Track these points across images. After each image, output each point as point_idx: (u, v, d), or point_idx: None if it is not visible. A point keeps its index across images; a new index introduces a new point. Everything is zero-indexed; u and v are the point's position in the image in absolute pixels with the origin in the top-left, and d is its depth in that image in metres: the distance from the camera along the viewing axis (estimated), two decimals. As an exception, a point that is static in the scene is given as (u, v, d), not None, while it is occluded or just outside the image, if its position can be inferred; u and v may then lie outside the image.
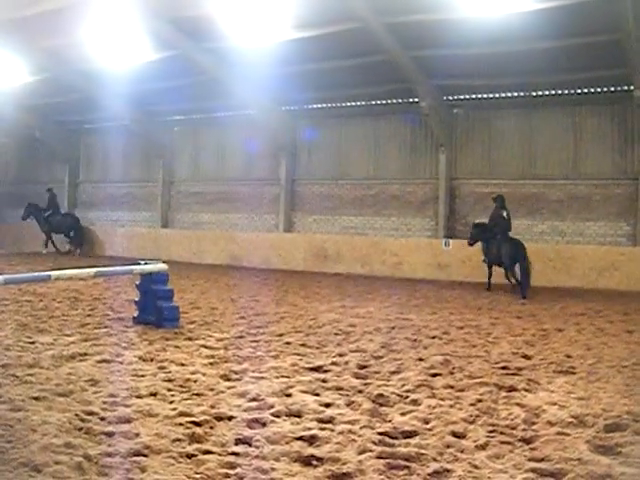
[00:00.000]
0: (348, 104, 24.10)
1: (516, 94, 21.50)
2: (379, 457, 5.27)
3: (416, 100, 21.94)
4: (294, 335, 10.55)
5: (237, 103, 24.68)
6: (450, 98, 22.32)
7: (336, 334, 10.76)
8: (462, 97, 22.26)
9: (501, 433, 5.90)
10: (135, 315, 11.31)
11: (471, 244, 19.34)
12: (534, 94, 21.21)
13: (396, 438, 5.76)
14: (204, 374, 7.80)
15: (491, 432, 5.91)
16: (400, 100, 23.10)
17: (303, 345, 9.72)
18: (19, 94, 27.90)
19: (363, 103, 23.82)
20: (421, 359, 8.92)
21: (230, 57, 21.16)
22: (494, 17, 17.01)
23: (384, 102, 23.47)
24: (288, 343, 9.84)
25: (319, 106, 24.70)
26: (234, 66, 21.78)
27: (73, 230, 29.38)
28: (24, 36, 23.13)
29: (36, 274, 11.59)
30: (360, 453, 5.35)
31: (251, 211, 25.75)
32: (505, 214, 18.62)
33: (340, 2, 17.73)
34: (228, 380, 7.60)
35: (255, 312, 13.00)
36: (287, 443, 5.57)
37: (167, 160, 28.40)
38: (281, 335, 10.51)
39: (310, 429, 5.89)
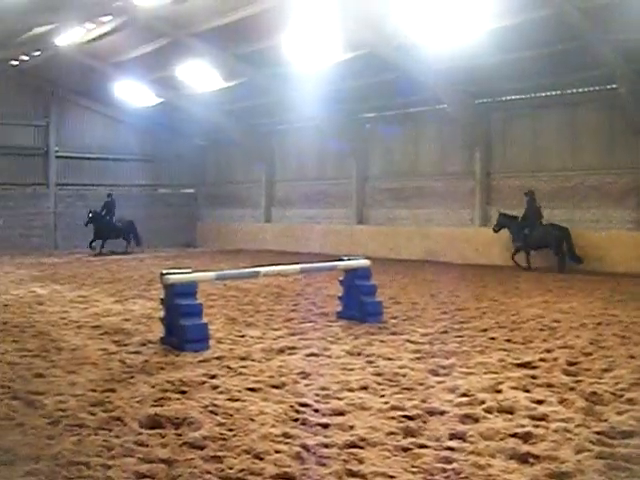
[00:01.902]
0: (542, 94, 23.41)
1: None
2: (598, 457, 5.13)
3: (614, 86, 21.05)
4: (498, 330, 10.43)
5: (429, 98, 24.59)
6: (650, 83, 21.19)
7: (541, 330, 10.54)
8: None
9: None
10: (339, 310, 11.55)
11: (496, 230, 22.36)
12: None
13: (614, 438, 5.58)
14: (412, 369, 7.88)
15: None
16: (596, 87, 22.20)
17: (508, 341, 9.60)
18: (215, 99, 29.14)
19: (558, 92, 23.06)
20: (632, 356, 8.58)
21: (420, 52, 21.09)
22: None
23: (580, 90, 22.64)
24: (493, 338, 9.75)
25: (513, 97, 24.15)
26: (424, 61, 21.73)
27: (132, 233, 30.08)
28: (219, 44, 24.18)
29: (245, 270, 12.07)
30: (578, 452, 5.24)
31: (446, 206, 25.54)
32: (537, 205, 21.78)
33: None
34: (436, 375, 7.63)
35: (456, 307, 12.95)
36: (501, 440, 5.54)
37: (361, 157, 28.65)
38: (485, 330, 10.43)
39: (524, 426, 5.82)
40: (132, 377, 7.61)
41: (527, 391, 6.97)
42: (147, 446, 5.41)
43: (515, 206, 22.98)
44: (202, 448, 5.37)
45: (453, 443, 5.46)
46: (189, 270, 9.86)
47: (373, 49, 21.84)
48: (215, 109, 30.74)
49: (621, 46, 19.08)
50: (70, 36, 25.62)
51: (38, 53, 28.39)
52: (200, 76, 26.42)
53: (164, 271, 9.49)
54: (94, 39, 25.74)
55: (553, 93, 23.03)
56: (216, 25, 22.63)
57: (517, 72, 21.57)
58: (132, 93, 30.54)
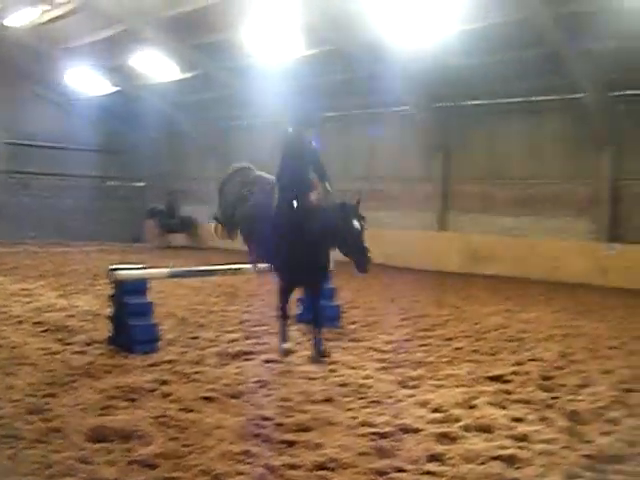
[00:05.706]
0: (505, 100, 23.07)
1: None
2: (592, 485, 4.70)
3: (578, 96, 20.77)
4: (463, 340, 9.95)
5: (390, 100, 24.12)
6: (616, 94, 20.95)
7: (507, 340, 10.09)
8: (630, 92, 20.83)
9: None
10: (298, 313, 10.94)
11: (149, 218, 28.81)
12: None
13: (605, 462, 5.14)
14: (378, 379, 7.36)
15: None
16: (561, 96, 21.89)
17: (476, 351, 9.13)
18: (170, 91, 28.44)
19: (520, 99, 22.71)
20: (607, 372, 8.18)
21: (384, 52, 20.58)
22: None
23: (543, 98, 22.31)
24: (459, 348, 9.28)
25: (474, 102, 23.76)
26: (388, 60, 21.23)
27: None
28: (177, 34, 23.47)
29: (200, 268, 11.51)
30: (570, 478, 4.80)
31: (403, 210, 25.11)
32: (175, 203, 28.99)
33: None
34: (405, 387, 7.14)
35: (417, 314, 12.40)
36: (484, 463, 5.06)
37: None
38: (450, 339, 9.95)
39: (506, 447, 5.37)
40: (75, 381, 6.97)
41: (504, 407, 6.50)
42: (91, 463, 4.82)
43: (471, 211, 22.82)
44: (154, 467, 4.80)
45: (432, 466, 4.97)
46: (140, 266, 9.24)
47: (336, 46, 21.32)
48: (170, 101, 29.94)
49: (588, 55, 18.83)
50: (22, 17, 24.53)
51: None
52: (156, 66, 25.64)
53: (112, 266, 8.85)
54: (47, 22, 24.76)
55: (516, 100, 22.60)
56: (173, 14, 21.91)
57: (480, 77, 21.08)
58: (85, 81, 29.50)
